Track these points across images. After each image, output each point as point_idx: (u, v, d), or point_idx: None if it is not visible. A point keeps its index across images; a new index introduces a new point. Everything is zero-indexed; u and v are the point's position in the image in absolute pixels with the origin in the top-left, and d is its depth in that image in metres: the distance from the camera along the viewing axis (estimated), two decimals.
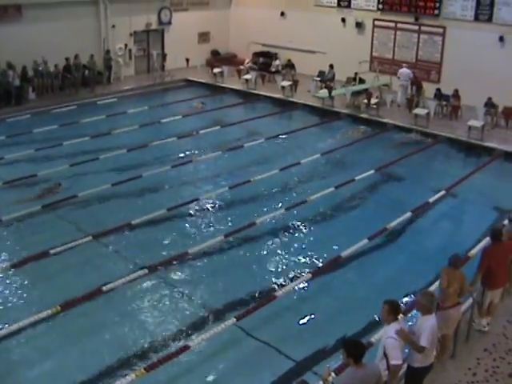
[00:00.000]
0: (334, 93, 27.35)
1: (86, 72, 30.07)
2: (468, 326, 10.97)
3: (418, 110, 25.34)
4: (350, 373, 7.71)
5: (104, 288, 12.63)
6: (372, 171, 19.65)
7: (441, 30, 28.07)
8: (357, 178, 19.03)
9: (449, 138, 23.58)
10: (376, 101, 26.80)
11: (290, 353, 11.19)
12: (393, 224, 15.91)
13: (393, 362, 8.14)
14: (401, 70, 27.75)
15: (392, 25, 29.81)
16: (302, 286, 13.27)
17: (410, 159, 21.19)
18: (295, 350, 11.30)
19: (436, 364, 9.61)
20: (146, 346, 11.44)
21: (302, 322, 12.25)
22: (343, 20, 31.44)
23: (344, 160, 21.54)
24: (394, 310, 8.44)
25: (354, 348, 7.70)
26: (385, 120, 25.59)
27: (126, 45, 32.65)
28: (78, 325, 11.99)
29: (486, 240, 13.48)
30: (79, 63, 29.73)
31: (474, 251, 14.09)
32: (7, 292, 13.20)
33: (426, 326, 8.66)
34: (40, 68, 28.30)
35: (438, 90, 26.57)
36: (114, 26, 31.48)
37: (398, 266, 14.49)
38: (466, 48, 26.88)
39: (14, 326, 11.42)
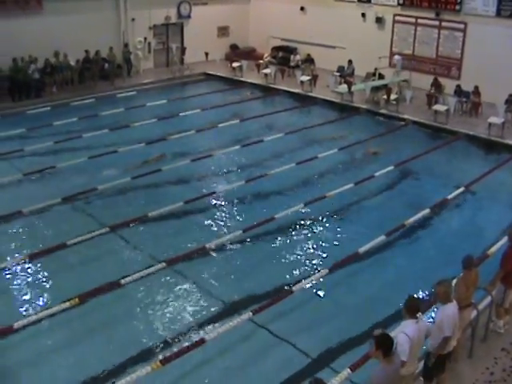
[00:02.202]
0: (353, 88, 27.25)
1: (106, 65, 30.18)
2: (486, 325, 10.92)
3: (437, 107, 25.19)
4: (382, 369, 7.63)
5: (122, 281, 12.68)
6: (391, 167, 19.57)
7: (462, 26, 27.83)
8: (376, 174, 18.95)
9: (468, 134, 23.42)
10: (395, 97, 26.66)
11: (306, 348, 11.19)
12: (411, 220, 15.84)
13: None
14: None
15: (412, 20, 29.59)
16: (319, 281, 13.23)
17: (430, 156, 21.05)
18: (311, 345, 11.29)
19: (452, 364, 9.63)
20: (162, 339, 11.50)
21: (318, 317, 12.24)
22: (363, 15, 31.28)
23: (363, 155, 21.42)
24: (412, 306, 8.41)
25: (385, 341, 7.59)
26: (404, 116, 25.45)
27: (145, 38, 32.72)
28: (96, 317, 12.07)
29: (505, 238, 13.36)
30: (99, 57, 29.81)
31: (492, 249, 14.00)
32: (25, 283, 13.33)
33: (447, 314, 8.67)
34: (60, 61, 28.43)
35: (458, 86, 26.38)
36: (133, 20, 31.55)
37: (415, 262, 14.40)
38: (487, 44, 26.62)
39: (33, 317, 11.54)
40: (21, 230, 15.63)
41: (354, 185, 18.06)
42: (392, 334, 9.64)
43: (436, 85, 26.76)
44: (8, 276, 13.43)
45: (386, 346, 7.54)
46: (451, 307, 8.82)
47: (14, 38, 26.20)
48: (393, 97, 26.65)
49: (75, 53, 28.84)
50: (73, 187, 17.75)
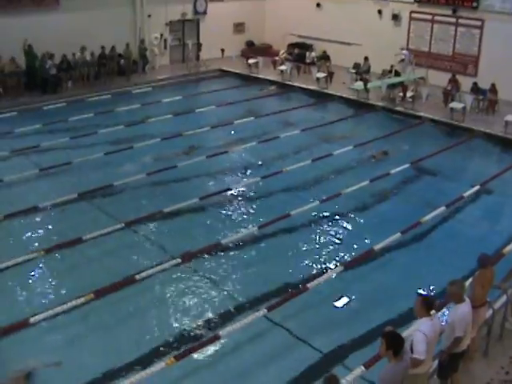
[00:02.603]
0: (369, 85, 27.15)
1: (122, 61, 30.26)
2: (501, 324, 10.87)
3: (453, 104, 25.07)
4: (391, 368, 7.63)
5: (137, 276, 12.74)
6: (407, 165, 19.50)
7: (479, 23, 27.65)
8: (392, 171, 18.90)
9: (485, 132, 23.29)
10: (412, 94, 26.57)
11: (320, 345, 11.20)
12: (426, 218, 15.78)
13: (415, 356, 8.08)
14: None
15: (429, 17, 29.45)
16: (333, 278, 13.21)
17: (446, 154, 20.94)
18: (325, 342, 11.29)
19: (467, 364, 9.60)
20: (176, 334, 11.55)
21: (332, 314, 12.25)
22: (379, 12, 31.16)
23: (378, 153, 21.33)
24: (426, 304, 8.38)
25: (394, 340, 7.58)
26: (420, 114, 25.36)
27: (161, 34, 32.78)
28: (111, 312, 12.14)
29: None
30: (115, 53, 29.90)
31: (508, 248, 13.95)
32: (41, 278, 13.45)
33: (459, 314, 8.65)
34: (76, 57, 28.56)
35: (475, 83, 26.23)
36: (149, 16, 31.63)
37: (430, 260, 14.32)
38: (504, 41, 26.45)
39: (49, 312, 11.60)
40: (37, 225, 15.73)
41: (369, 182, 18.03)
42: (407, 333, 9.70)
43: (453, 82, 26.60)
44: (24, 270, 13.49)
45: (396, 345, 7.53)
46: (464, 307, 8.79)
47: (31, 35, 26.30)
48: (409, 94, 26.56)
49: (92, 49, 28.95)
50: (89, 183, 17.85)
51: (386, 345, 7.54)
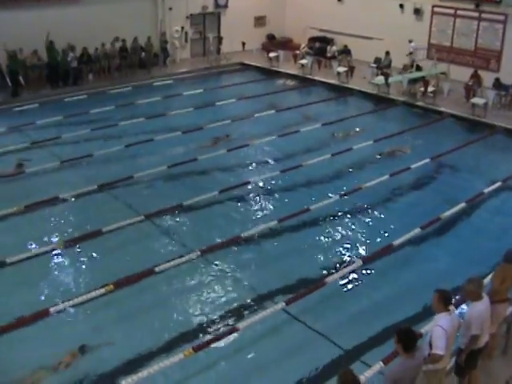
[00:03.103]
0: (390, 80, 27.04)
1: (143, 54, 30.35)
2: None
3: (475, 100, 24.89)
4: (401, 363, 7.63)
5: (156, 269, 12.82)
6: (427, 160, 19.40)
7: (502, 18, 27.36)
8: (412, 166, 18.82)
9: (507, 128, 23.10)
10: (433, 89, 26.41)
11: (338, 340, 11.19)
12: (446, 214, 15.71)
13: (434, 351, 8.07)
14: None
15: (451, 11, 29.18)
16: (352, 273, 13.23)
17: (466, 149, 20.82)
18: (343, 337, 11.28)
19: (485, 361, 9.55)
20: (195, 326, 11.60)
21: (351, 309, 12.22)
22: (401, 6, 30.92)
23: (399, 148, 21.21)
24: (444, 299, 8.34)
25: (405, 335, 7.57)
26: (441, 109, 25.22)
27: (182, 27, 32.83)
28: (130, 304, 12.21)
29: None
30: (137, 45, 30.00)
31: None
32: (61, 269, 13.57)
33: (476, 312, 8.62)
34: (98, 50, 28.70)
35: (497, 79, 26.02)
36: (170, 9, 31.69)
37: (450, 256, 14.26)
38: None
39: (69, 303, 11.72)
40: (58, 216, 15.85)
41: (389, 176, 17.98)
42: (426, 328, 9.68)
43: (475, 77, 26.39)
44: (44, 261, 13.64)
45: (406, 340, 7.52)
46: (481, 305, 8.74)
47: (52, 28, 26.44)
48: (430, 89, 26.40)
49: (113, 42, 29.10)
50: (109, 175, 17.97)
51: (397, 337, 7.55)
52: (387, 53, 29.17)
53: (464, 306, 10.96)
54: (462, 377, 9.28)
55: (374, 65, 29.70)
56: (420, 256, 14.32)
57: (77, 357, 10.58)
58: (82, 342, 10.86)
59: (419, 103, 26.14)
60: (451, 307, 8.61)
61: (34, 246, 13.95)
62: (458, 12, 28.90)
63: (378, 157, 20.28)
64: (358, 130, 23.15)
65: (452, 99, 26.18)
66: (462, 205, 16.35)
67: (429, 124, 23.97)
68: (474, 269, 12.76)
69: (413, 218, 15.72)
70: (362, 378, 9.04)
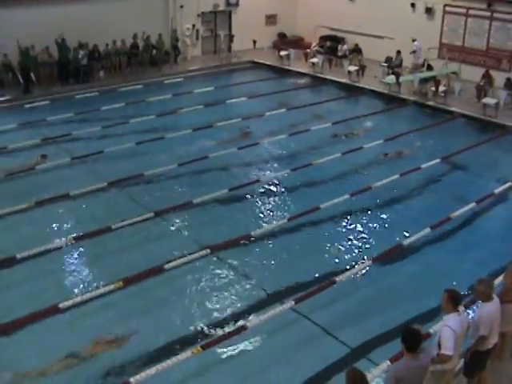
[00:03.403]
0: (401, 79, 26.99)
1: (154, 51, 30.41)
2: None
3: (486, 100, 24.80)
4: (404, 363, 7.60)
5: (166, 266, 12.85)
6: (438, 160, 19.35)
7: None
8: (423, 166, 18.78)
9: None
10: (444, 89, 26.33)
11: (346, 339, 11.18)
12: (456, 214, 15.66)
13: (443, 352, 8.05)
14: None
15: (463, 11, 29.07)
16: (362, 272, 13.21)
17: (477, 149, 20.73)
18: (351, 336, 11.27)
19: (495, 363, 9.52)
20: (203, 324, 11.58)
21: (360, 308, 12.20)
22: (413, 5, 30.83)
23: (409, 147, 21.21)
24: (453, 299, 8.32)
25: (409, 336, 7.55)
26: (452, 109, 25.14)
27: (193, 25, 32.89)
28: (139, 301, 12.23)
29: None
30: (148, 43, 30.06)
31: None
32: (71, 265, 13.59)
33: (485, 313, 8.59)
34: (109, 47, 28.78)
35: (509, 79, 25.88)
36: (182, 7, 31.74)
37: (460, 256, 14.22)
38: None
39: (78, 299, 11.76)
40: (67, 213, 15.92)
41: (399, 176, 17.95)
42: (435, 329, 9.67)
43: (486, 77, 26.28)
44: (54, 257, 13.69)
45: (409, 340, 7.50)
46: (490, 306, 8.71)
47: (63, 25, 26.56)
48: (441, 89, 26.31)
49: (123, 39, 29.20)
50: (119, 172, 18.00)
51: (401, 337, 7.55)
52: (398, 52, 29.09)
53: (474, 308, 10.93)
54: (470, 378, 9.26)
55: (385, 64, 29.61)
56: (430, 256, 14.25)
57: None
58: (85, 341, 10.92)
59: (430, 103, 26.06)
60: (460, 308, 8.60)
61: (43, 242, 13.95)
62: (470, 11, 28.80)
63: (383, 158, 20.16)
64: (368, 129, 23.12)
65: (463, 99, 26.09)
66: (473, 205, 16.30)
67: (439, 124, 23.89)
68: (483, 269, 12.80)
69: (423, 217, 15.66)
70: (369, 376, 9.03)
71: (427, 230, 14.67)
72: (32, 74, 26.21)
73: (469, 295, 11.67)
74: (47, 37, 26.40)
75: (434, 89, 26.48)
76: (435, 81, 26.62)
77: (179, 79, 29.40)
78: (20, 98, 25.42)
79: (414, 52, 28.44)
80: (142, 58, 30.01)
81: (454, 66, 27.65)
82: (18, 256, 13.14)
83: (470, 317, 9.31)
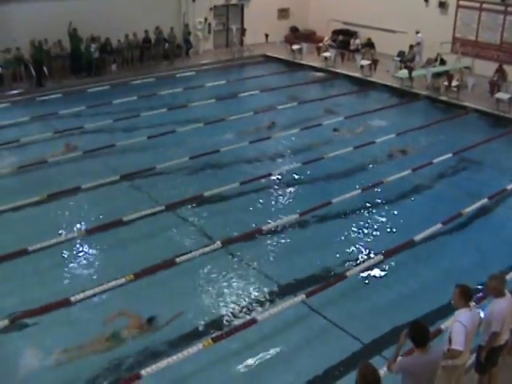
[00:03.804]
0: (414, 74, 26.89)
1: (166, 45, 30.42)
2: None
3: (500, 95, 24.66)
4: (413, 358, 7.56)
5: (177, 259, 12.88)
6: (450, 155, 19.28)
7: None
8: (434, 161, 18.71)
9: None
10: (457, 83, 26.18)
11: (358, 334, 11.16)
12: (468, 210, 15.61)
13: (453, 347, 8.02)
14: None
15: (477, 5, 28.87)
16: (373, 267, 13.18)
17: (490, 144, 20.64)
18: (363, 331, 11.25)
19: (506, 359, 9.48)
20: (214, 317, 11.63)
21: (371, 303, 12.18)
22: None
23: (421, 142, 21.13)
24: (465, 294, 8.28)
25: (417, 332, 7.49)
26: (465, 103, 25.01)
27: (205, 19, 32.85)
28: (150, 294, 12.22)
29: None
30: (160, 37, 30.07)
31: None
32: (82, 258, 13.64)
33: (497, 309, 8.55)
34: (121, 41, 28.82)
35: None
36: (194, 0, 31.71)
37: (471, 252, 14.17)
38: None
39: (90, 292, 11.79)
40: (79, 206, 15.98)
41: (411, 171, 17.89)
42: (446, 324, 9.63)
43: (500, 72, 26.12)
44: (66, 250, 13.75)
45: (416, 336, 7.46)
46: (503, 302, 8.67)
47: (75, 18, 26.62)
48: (454, 83, 26.16)
49: (135, 33, 29.23)
50: (131, 165, 18.06)
51: (409, 334, 7.52)
52: (411, 46, 28.96)
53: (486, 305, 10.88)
54: (482, 374, 9.22)
55: (398, 58, 29.50)
56: (441, 251, 14.20)
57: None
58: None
59: (443, 98, 25.94)
60: (472, 303, 8.56)
61: (54, 234, 14.00)
62: (484, 5, 28.60)
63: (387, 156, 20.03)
64: (380, 123, 23.03)
65: (476, 94, 25.93)
66: (485, 200, 16.23)
67: (452, 119, 23.81)
68: (495, 265, 12.74)
69: (434, 213, 15.63)
70: (381, 372, 9.01)
71: (439, 226, 14.61)
72: (44, 68, 26.26)
73: (480, 291, 11.61)
74: (59, 30, 26.47)
75: (446, 83, 26.32)
76: (448, 75, 26.47)
77: (191, 73, 29.41)
78: (32, 91, 25.49)
79: (417, 44, 28.36)
80: (154, 52, 30.05)
81: (467, 60, 27.51)
82: (30, 248, 13.19)
83: (481, 313, 9.24)
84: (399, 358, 7.76)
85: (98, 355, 10.48)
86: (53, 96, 24.90)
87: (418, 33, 28.57)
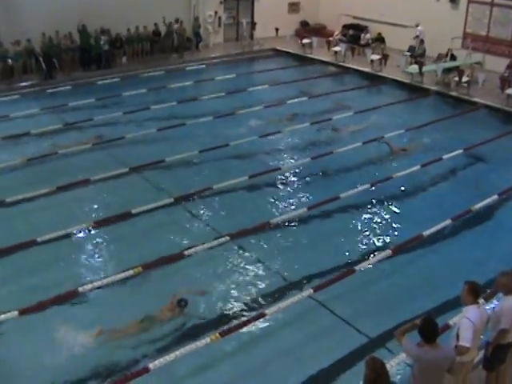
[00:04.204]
0: (424, 69, 26.81)
1: (176, 38, 30.40)
2: None
3: (510, 91, 24.52)
4: (421, 350, 7.56)
5: (185, 252, 12.90)
6: (460, 151, 19.20)
7: None
8: (444, 157, 18.64)
9: None
10: (467, 79, 26.05)
11: (364, 328, 11.16)
12: (478, 206, 15.55)
13: (461, 343, 7.99)
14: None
15: (488, 0, 28.74)
16: (381, 262, 13.15)
17: (500, 141, 20.53)
18: (369, 325, 11.25)
19: None
20: (222, 311, 11.64)
21: (378, 298, 12.17)
22: None
23: (430, 138, 21.05)
24: (473, 291, 8.27)
25: (425, 327, 7.50)
26: (475, 99, 24.91)
27: (215, 12, 32.83)
28: (158, 287, 12.26)
29: None
30: (171, 30, 30.08)
31: None
32: (91, 249, 13.69)
33: (507, 306, 8.52)
34: (131, 33, 28.85)
35: None
36: None
37: (480, 249, 14.09)
38: None
39: (98, 283, 11.85)
40: (88, 198, 16.03)
41: (420, 167, 17.84)
42: (455, 320, 9.62)
43: (511, 68, 25.98)
44: (74, 242, 13.82)
45: (425, 331, 7.47)
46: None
47: (85, 10, 26.67)
48: (464, 79, 26.03)
49: (146, 25, 29.27)
50: (140, 158, 18.09)
51: (418, 329, 7.53)
52: (422, 41, 28.85)
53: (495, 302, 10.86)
54: (490, 371, 9.21)
55: (408, 53, 29.40)
56: (450, 247, 14.18)
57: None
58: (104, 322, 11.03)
59: (453, 93, 25.83)
60: (480, 300, 8.54)
61: (63, 226, 14.03)
62: (495, 1, 28.41)
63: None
64: (389, 118, 22.96)
65: (487, 90, 25.82)
66: (495, 197, 16.17)
67: (462, 114, 23.71)
68: (505, 262, 12.69)
69: (444, 209, 15.59)
70: (387, 366, 9.01)
71: (448, 222, 14.58)
72: (55, 60, 26.30)
73: (489, 288, 11.58)
74: (70, 23, 26.54)
75: (457, 79, 26.19)
76: (458, 71, 26.34)
77: (201, 66, 29.46)
78: (42, 84, 25.56)
79: (416, 37, 28.34)
80: (164, 45, 30.06)
81: (477, 56, 27.40)
82: (39, 239, 13.25)
83: (490, 309, 9.22)
84: (411, 343, 7.74)
85: (131, 338, 10.67)
86: (62, 88, 24.97)
87: (417, 26, 28.63)
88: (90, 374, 9.96)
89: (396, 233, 14.67)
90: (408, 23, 30.15)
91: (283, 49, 32.95)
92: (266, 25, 33.15)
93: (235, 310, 11.67)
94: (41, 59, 26.14)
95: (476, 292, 8.30)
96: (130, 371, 9.83)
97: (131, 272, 12.09)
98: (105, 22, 27.47)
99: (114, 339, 10.62)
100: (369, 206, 15.97)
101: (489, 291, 11.10)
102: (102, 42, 27.53)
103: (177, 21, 30.09)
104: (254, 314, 11.33)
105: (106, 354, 10.36)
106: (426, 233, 14.01)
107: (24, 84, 25.38)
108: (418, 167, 17.80)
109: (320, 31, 35.22)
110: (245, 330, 10.80)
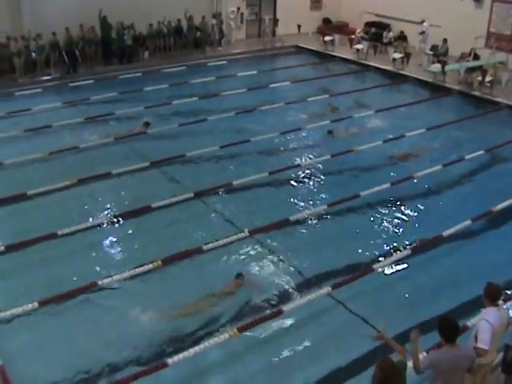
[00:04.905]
0: (447, 68, 26.64)
1: (198, 34, 30.45)
2: None
3: None
4: (441, 352, 7.54)
5: (204, 247, 12.93)
6: (482, 151, 19.03)
7: None
8: (466, 157, 18.52)
9: None
10: (490, 79, 25.86)
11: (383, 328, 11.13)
12: (499, 207, 15.43)
13: (479, 345, 7.93)
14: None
15: None
16: (400, 261, 13.10)
17: None
18: (388, 325, 11.20)
19: None
20: (240, 307, 11.62)
21: (397, 297, 12.12)
22: None
23: (452, 137, 20.94)
24: (489, 293, 8.22)
25: (446, 326, 7.48)
26: (498, 99, 24.72)
27: (238, 8, 32.90)
28: (176, 281, 12.31)
29: None
30: (192, 25, 30.13)
31: None
32: (111, 242, 13.81)
33: None
34: (153, 28, 28.93)
35: None
36: None
37: (501, 250, 13.98)
38: None
39: (116, 277, 11.91)
40: (109, 191, 16.16)
41: (442, 167, 17.73)
42: (473, 322, 9.56)
43: None
44: (95, 234, 13.90)
45: (445, 331, 7.45)
46: None
47: (108, 5, 26.80)
48: (487, 79, 25.83)
49: (169, 21, 29.35)
50: (161, 152, 18.16)
51: (438, 328, 7.50)
52: (444, 40, 28.65)
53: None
54: (508, 374, 9.14)
55: (431, 52, 29.23)
56: (470, 248, 14.10)
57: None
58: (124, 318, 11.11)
59: (475, 93, 25.64)
60: (500, 302, 8.48)
61: (84, 219, 14.18)
62: None
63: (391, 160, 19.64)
64: (411, 117, 22.84)
65: (510, 90, 25.61)
66: None
67: (485, 114, 23.53)
68: None
69: (464, 209, 15.47)
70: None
71: (468, 222, 14.48)
72: (77, 54, 26.44)
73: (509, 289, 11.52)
74: (92, 16, 26.77)
75: (480, 78, 26.00)
76: (482, 70, 26.15)
77: (223, 62, 29.47)
78: (65, 77, 25.73)
79: (422, 33, 28.18)
80: (186, 40, 30.13)
81: (501, 55, 27.14)
82: (59, 232, 13.35)
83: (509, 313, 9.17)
84: (430, 352, 7.71)
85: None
86: (85, 82, 25.10)
87: (423, 22, 28.60)
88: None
89: (415, 232, 14.57)
90: (431, 22, 29.92)
91: (305, 46, 32.90)
92: (288, 21, 33.17)
93: (252, 305, 11.65)
94: (64, 53, 26.29)
95: (492, 294, 8.22)
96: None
97: (150, 266, 12.15)
98: (127, 17, 27.56)
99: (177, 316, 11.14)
100: (389, 205, 15.87)
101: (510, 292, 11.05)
102: (125, 37, 27.63)
103: (202, 17, 30.10)
104: (271, 310, 11.33)
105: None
106: (446, 233, 13.92)
107: (46, 78, 25.56)
108: (439, 167, 17.68)
109: (342, 29, 35.12)
110: (262, 326, 10.78)
